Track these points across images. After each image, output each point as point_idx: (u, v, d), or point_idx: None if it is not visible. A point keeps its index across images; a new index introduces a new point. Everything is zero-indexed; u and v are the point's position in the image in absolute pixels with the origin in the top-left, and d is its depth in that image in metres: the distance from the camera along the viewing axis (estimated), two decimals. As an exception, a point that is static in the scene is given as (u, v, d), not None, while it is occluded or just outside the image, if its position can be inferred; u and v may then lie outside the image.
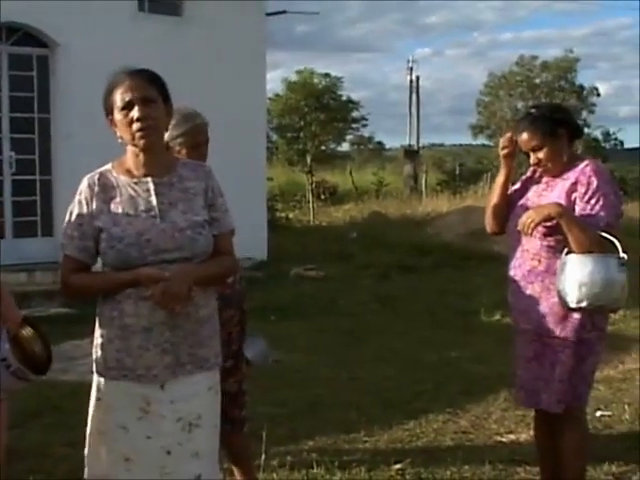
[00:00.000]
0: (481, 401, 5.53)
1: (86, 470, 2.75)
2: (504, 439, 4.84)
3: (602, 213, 3.35)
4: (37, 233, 9.72)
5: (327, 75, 26.37)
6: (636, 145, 33.76)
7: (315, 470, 4.21)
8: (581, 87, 30.43)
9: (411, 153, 27.92)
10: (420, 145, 30.62)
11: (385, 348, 7.20)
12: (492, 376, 5.98)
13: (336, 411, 5.32)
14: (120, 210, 2.64)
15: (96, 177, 2.70)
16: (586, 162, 3.49)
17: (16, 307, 2.80)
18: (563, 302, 3.35)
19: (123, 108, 2.61)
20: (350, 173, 23.88)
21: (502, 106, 31.07)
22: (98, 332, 2.70)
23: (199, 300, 2.65)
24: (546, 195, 3.54)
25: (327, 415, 5.24)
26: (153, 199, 2.65)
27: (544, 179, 3.59)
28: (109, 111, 2.67)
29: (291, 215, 17.64)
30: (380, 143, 44.71)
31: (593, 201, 3.38)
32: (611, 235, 3.32)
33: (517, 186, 3.74)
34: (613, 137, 29.97)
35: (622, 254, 3.30)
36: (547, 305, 3.46)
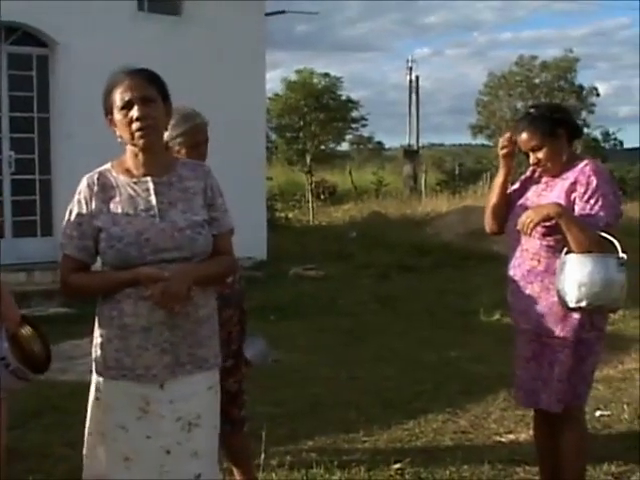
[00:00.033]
0: (480, 401, 5.53)
1: (84, 470, 2.74)
2: (503, 439, 4.84)
3: (601, 213, 3.35)
4: (36, 233, 9.72)
5: (327, 75, 26.37)
6: (636, 145, 33.82)
7: (314, 470, 4.21)
8: (580, 87, 30.44)
9: (411, 153, 27.93)
10: (420, 145, 30.64)
11: (385, 348, 7.20)
12: (491, 376, 5.98)
13: (336, 411, 5.32)
14: (119, 210, 2.64)
15: (95, 177, 2.70)
16: (585, 162, 3.49)
17: (16, 306, 2.80)
18: (562, 302, 3.35)
19: (122, 107, 2.61)
20: (350, 173, 23.90)
21: (501, 106, 31.08)
22: (97, 332, 2.70)
23: (198, 300, 2.65)
24: (545, 195, 3.54)
25: (327, 415, 5.24)
26: (152, 199, 2.65)
27: (543, 179, 3.59)
28: (108, 110, 2.67)
29: (291, 215, 17.65)
30: (380, 143, 44.76)
31: (592, 201, 3.38)
32: (610, 235, 3.32)
33: (516, 186, 3.74)
34: (612, 137, 30.00)
35: (621, 254, 3.30)
36: (546, 305, 3.46)
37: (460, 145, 45.34)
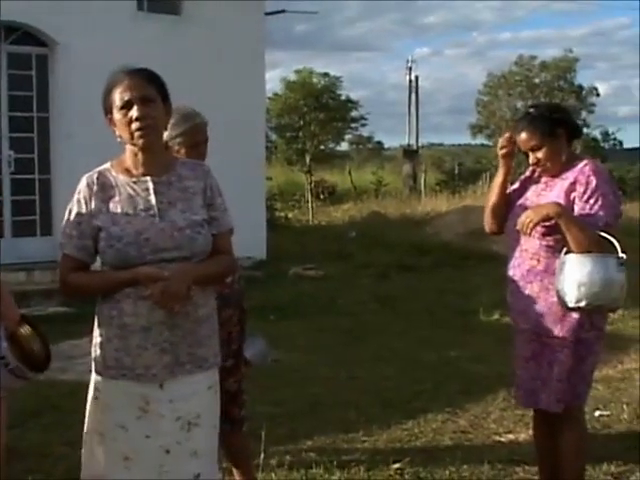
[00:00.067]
0: (480, 401, 5.53)
1: (82, 469, 2.74)
2: (503, 439, 4.84)
3: (601, 213, 3.36)
4: (36, 232, 9.72)
5: (326, 74, 26.34)
6: (635, 145, 33.86)
7: (314, 470, 4.21)
8: (580, 87, 30.42)
9: (410, 153, 27.92)
10: (419, 145, 30.61)
11: (384, 348, 7.20)
12: (491, 376, 5.98)
13: (335, 411, 5.32)
14: (119, 209, 2.64)
15: (95, 176, 2.70)
16: (585, 162, 3.49)
17: (15, 306, 2.80)
18: (562, 302, 3.35)
19: (122, 107, 2.61)
20: (349, 173, 23.91)
21: (501, 106, 31.05)
22: (97, 331, 2.70)
23: (198, 299, 2.65)
24: (545, 195, 3.54)
25: (326, 415, 5.24)
26: (152, 198, 2.65)
27: (543, 179, 3.59)
28: (108, 110, 2.67)
29: (290, 215, 17.65)
30: (379, 143, 44.76)
31: (592, 201, 3.38)
32: (610, 235, 3.32)
33: (516, 186, 3.74)
34: (612, 137, 29.99)
35: (621, 254, 3.30)
36: (546, 305, 3.46)
37: (460, 145, 45.35)
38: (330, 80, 26.21)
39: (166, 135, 3.03)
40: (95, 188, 2.67)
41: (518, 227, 3.43)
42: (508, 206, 3.67)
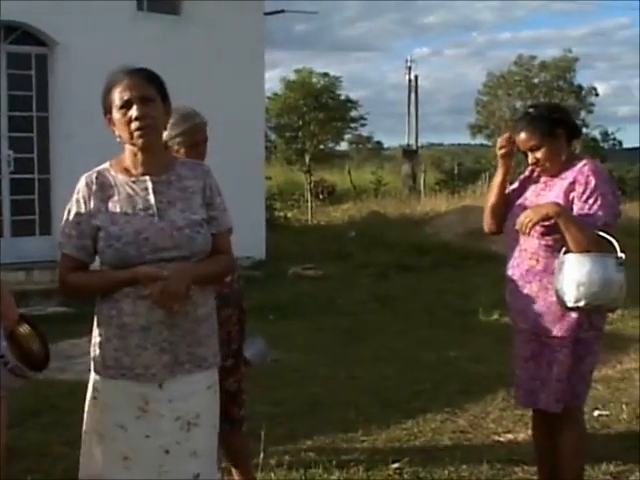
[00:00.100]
0: (479, 401, 5.53)
1: (81, 469, 2.74)
2: (502, 439, 4.85)
3: (600, 212, 3.36)
4: (35, 232, 9.72)
5: (326, 74, 26.35)
6: (635, 145, 33.85)
7: (313, 469, 4.21)
8: (580, 87, 30.42)
9: (410, 152, 27.93)
10: (419, 144, 30.63)
11: (384, 347, 7.20)
12: (490, 376, 5.98)
13: (334, 410, 5.32)
14: (118, 209, 2.64)
15: (94, 176, 2.70)
16: (584, 162, 3.49)
17: (14, 305, 2.80)
18: (561, 301, 3.35)
19: (121, 107, 2.61)
20: (349, 172, 23.91)
21: (501, 106, 31.05)
22: (96, 331, 2.69)
23: (197, 299, 2.65)
24: (544, 195, 3.54)
25: (325, 414, 5.24)
26: (151, 198, 2.65)
27: (542, 179, 3.59)
28: (107, 110, 2.67)
29: (289, 214, 17.65)
30: (379, 142, 44.74)
31: (591, 201, 3.38)
32: (609, 235, 3.32)
33: (515, 186, 3.74)
34: (612, 137, 29.99)
35: (620, 254, 3.30)
36: (545, 304, 3.47)
37: (459, 145, 45.31)
38: (330, 80, 26.22)
39: (166, 135, 3.03)
40: (94, 188, 2.67)
41: (517, 227, 3.43)
42: (507, 206, 3.67)
